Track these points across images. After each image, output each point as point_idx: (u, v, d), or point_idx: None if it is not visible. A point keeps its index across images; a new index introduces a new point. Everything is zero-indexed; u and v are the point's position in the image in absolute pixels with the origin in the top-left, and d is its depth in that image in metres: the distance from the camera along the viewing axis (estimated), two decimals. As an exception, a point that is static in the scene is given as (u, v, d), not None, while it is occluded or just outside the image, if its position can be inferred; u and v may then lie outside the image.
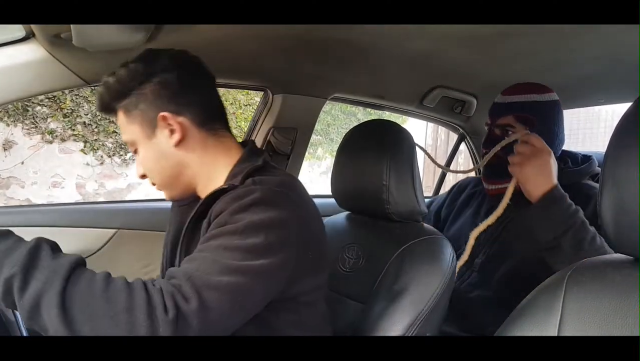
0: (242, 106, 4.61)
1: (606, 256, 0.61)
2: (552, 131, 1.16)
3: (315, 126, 1.59)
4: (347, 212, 1.22)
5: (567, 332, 0.53)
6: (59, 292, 0.55)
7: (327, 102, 1.53)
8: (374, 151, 1.05)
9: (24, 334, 0.68)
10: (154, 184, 0.85)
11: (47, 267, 0.57)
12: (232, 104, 4.55)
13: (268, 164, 0.84)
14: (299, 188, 0.81)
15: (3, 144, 3.68)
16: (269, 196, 0.70)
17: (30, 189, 3.83)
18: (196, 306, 0.59)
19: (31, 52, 0.89)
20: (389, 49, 1.14)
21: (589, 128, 5.25)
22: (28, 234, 1.30)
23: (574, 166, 1.19)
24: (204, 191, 0.82)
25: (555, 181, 1.01)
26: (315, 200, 0.88)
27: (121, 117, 0.81)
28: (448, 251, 0.98)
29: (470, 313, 1.16)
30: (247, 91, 4.60)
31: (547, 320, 0.55)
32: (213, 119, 0.83)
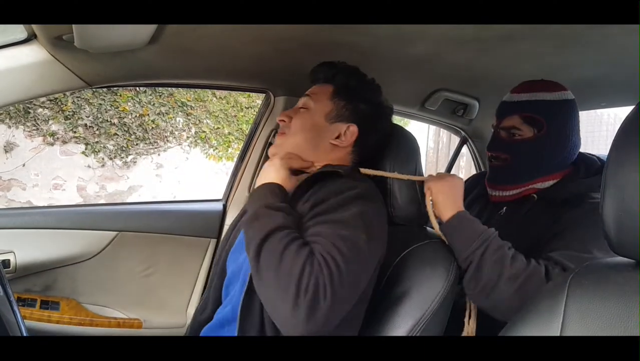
0: (243, 108, 4.62)
1: (608, 259, 0.61)
2: (563, 134, 1.07)
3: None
4: None
5: (570, 334, 0.52)
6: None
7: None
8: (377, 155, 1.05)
9: (24, 334, 0.67)
10: None
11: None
12: (233, 106, 4.56)
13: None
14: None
15: (4, 146, 3.69)
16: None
17: (31, 191, 3.83)
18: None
19: (33, 54, 0.89)
20: (390, 51, 1.14)
21: (591, 131, 5.25)
22: (29, 236, 1.30)
23: (586, 175, 1.07)
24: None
25: (460, 208, 0.99)
26: None
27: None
28: (451, 255, 0.98)
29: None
30: (248, 93, 4.61)
31: (549, 323, 0.55)
32: None
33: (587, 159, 1.12)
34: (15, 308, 0.70)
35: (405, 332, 0.89)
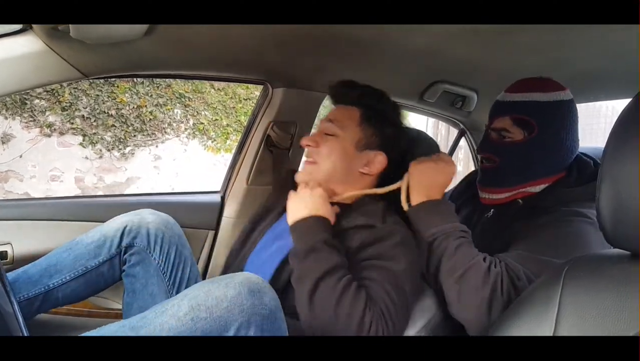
0: (241, 100, 4.60)
1: (603, 251, 0.61)
2: (555, 138, 1.01)
3: (316, 120, 1.58)
4: None
5: (564, 325, 0.53)
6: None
7: (327, 96, 1.52)
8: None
9: (22, 326, 0.68)
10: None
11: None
12: (231, 98, 4.54)
13: None
14: None
15: (1, 138, 3.67)
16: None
17: (28, 183, 3.82)
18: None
19: (29, 45, 0.88)
20: (389, 43, 1.13)
21: (589, 124, 5.24)
22: (26, 227, 1.30)
23: (578, 182, 1.01)
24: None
25: (432, 195, 0.96)
26: None
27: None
28: None
29: None
30: (247, 85, 4.59)
31: (544, 313, 0.55)
32: None
33: (582, 163, 1.06)
34: (13, 299, 0.70)
35: (416, 331, 0.93)
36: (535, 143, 1.02)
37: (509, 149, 1.04)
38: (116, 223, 1.04)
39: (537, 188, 1.05)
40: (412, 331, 0.93)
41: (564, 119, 1.02)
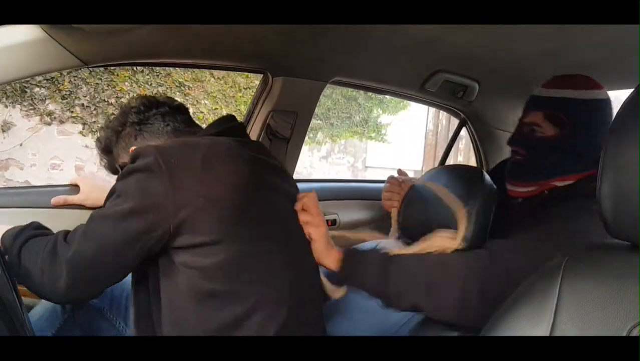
0: (241, 89, 4.59)
1: (604, 241, 0.61)
2: (587, 135, 0.99)
3: (316, 110, 1.58)
4: None
5: (563, 316, 0.53)
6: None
7: (328, 86, 1.51)
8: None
9: (23, 314, 0.68)
10: None
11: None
12: (231, 87, 4.52)
13: None
14: None
15: (1, 126, 3.66)
16: None
17: (29, 171, 3.83)
18: None
19: (28, 32, 0.88)
20: (390, 32, 1.13)
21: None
22: (27, 215, 1.30)
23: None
24: None
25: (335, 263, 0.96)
26: (315, 185, 0.89)
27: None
28: None
29: None
30: (246, 74, 4.57)
31: (543, 304, 0.55)
32: None
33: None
34: (15, 287, 0.71)
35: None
36: (566, 140, 1.01)
37: (538, 143, 1.04)
38: None
39: (563, 183, 1.04)
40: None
41: (596, 118, 1.00)
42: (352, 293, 0.98)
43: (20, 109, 3.71)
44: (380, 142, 6.16)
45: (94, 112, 3.96)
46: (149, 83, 4.14)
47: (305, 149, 5.31)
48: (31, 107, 3.73)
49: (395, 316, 1.05)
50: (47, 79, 3.72)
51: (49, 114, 3.80)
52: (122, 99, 4.04)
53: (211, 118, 4.46)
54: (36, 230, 0.87)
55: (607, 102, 1.03)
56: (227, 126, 0.97)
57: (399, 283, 0.91)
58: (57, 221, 1.30)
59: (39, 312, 1.08)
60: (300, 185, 1.09)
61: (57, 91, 3.79)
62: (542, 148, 1.04)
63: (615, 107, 0.56)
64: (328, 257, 0.95)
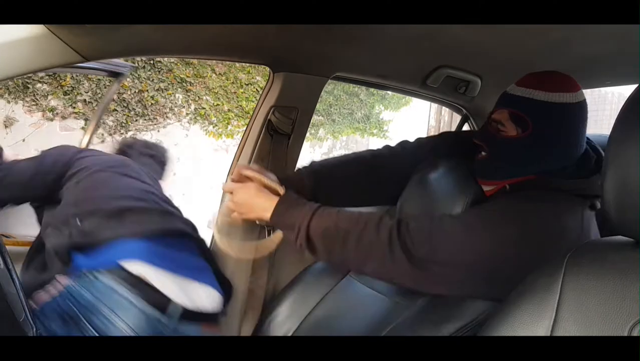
0: (243, 85, 4.58)
1: (607, 238, 0.61)
2: (551, 139, 0.97)
3: (317, 106, 1.57)
4: None
5: (565, 312, 0.53)
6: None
7: (329, 82, 1.51)
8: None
9: (24, 306, 0.68)
10: None
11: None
12: (233, 82, 4.51)
13: None
14: None
15: (4, 121, 3.67)
16: None
17: (32, 167, 3.83)
18: None
19: (29, 28, 0.88)
20: (392, 27, 1.12)
21: (595, 110, 5.21)
22: (29, 209, 1.30)
23: (567, 177, 0.98)
24: None
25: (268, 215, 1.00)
26: None
27: None
28: None
29: None
30: (248, 69, 4.56)
31: (545, 300, 0.55)
32: None
33: (583, 160, 1.00)
34: (17, 279, 0.71)
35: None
36: (526, 142, 0.98)
37: (500, 142, 1.02)
38: None
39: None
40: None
41: (562, 122, 0.97)
42: (353, 293, 0.99)
43: (23, 105, 3.71)
44: (382, 138, 6.14)
45: (96, 108, 3.95)
46: (151, 79, 4.13)
47: (306, 145, 5.30)
48: (34, 103, 3.73)
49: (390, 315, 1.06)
50: (49, 75, 3.71)
51: (52, 109, 3.80)
52: (124, 95, 4.04)
53: (213, 114, 4.46)
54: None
55: (577, 105, 0.98)
56: None
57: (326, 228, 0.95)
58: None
59: None
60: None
61: (59, 87, 3.79)
62: (502, 147, 1.01)
63: (619, 104, 0.56)
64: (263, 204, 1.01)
